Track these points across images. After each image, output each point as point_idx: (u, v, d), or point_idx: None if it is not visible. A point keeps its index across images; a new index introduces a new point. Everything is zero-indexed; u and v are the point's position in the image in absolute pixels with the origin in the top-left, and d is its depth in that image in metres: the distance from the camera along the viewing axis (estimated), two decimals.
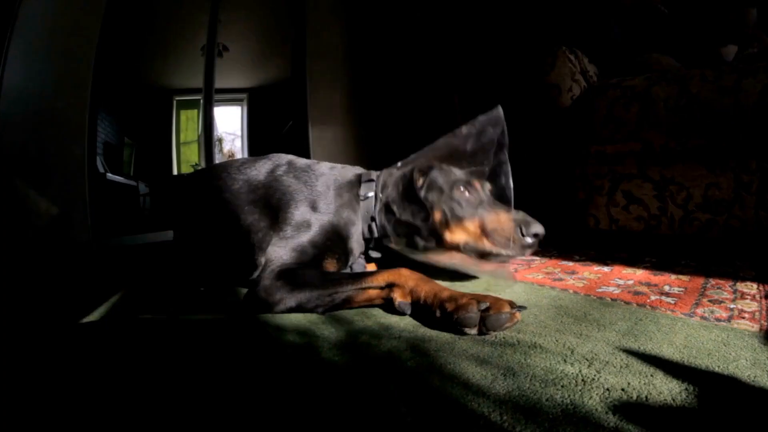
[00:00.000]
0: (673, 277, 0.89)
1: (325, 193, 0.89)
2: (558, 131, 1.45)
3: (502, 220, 0.77)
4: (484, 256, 0.79)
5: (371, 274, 0.74)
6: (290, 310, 0.73)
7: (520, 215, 0.78)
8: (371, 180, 0.92)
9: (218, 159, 2.75)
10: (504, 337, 0.58)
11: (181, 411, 0.43)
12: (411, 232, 0.84)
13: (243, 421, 0.40)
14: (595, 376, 0.45)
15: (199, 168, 2.73)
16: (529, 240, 0.75)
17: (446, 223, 0.81)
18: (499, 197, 0.84)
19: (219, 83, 2.63)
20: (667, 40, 1.77)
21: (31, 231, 1.71)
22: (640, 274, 0.94)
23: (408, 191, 0.85)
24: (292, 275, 0.75)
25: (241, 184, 0.93)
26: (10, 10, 1.67)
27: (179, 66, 2.77)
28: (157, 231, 2.10)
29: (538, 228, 0.75)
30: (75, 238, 1.81)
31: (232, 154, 3.02)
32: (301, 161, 0.97)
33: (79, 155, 1.86)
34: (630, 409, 0.39)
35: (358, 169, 0.98)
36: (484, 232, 0.78)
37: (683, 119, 1.16)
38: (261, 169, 0.95)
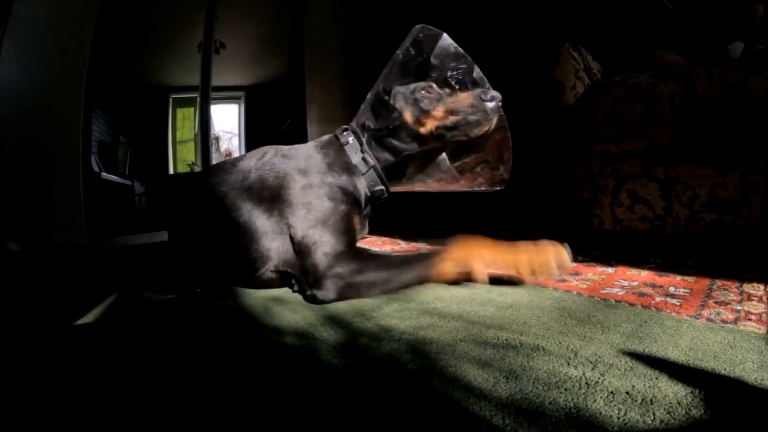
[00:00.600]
0: (679, 278, 0.89)
1: (314, 160, 0.94)
2: (561, 129, 1.45)
3: (461, 97, 0.88)
4: (458, 131, 0.88)
5: (436, 254, 0.79)
6: (367, 290, 0.78)
7: (479, 89, 0.87)
8: (346, 129, 1.00)
9: (215, 158, 2.75)
10: (506, 339, 0.58)
11: (178, 415, 0.43)
12: (392, 139, 0.93)
13: (241, 425, 0.40)
14: (599, 378, 0.45)
15: (195, 166, 2.73)
16: (489, 104, 0.85)
17: (417, 120, 0.91)
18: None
19: (216, 81, 2.63)
20: (672, 37, 1.76)
21: (24, 231, 1.71)
22: (645, 275, 0.93)
23: (379, 108, 0.95)
24: (351, 258, 0.80)
25: (235, 176, 0.95)
26: (4, 6, 1.67)
27: (175, 63, 2.76)
28: (154, 231, 2.10)
29: (494, 92, 0.86)
30: (69, 239, 1.81)
31: (229, 153, 3.02)
32: (285, 147, 1.02)
33: (74, 154, 1.86)
34: (635, 412, 0.39)
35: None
36: (450, 112, 0.88)
37: (688, 117, 1.16)
38: (251, 159, 0.98)
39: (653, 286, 0.84)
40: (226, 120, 3.05)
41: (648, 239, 1.29)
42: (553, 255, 0.75)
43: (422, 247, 1.51)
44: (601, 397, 0.42)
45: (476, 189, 0.95)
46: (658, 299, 0.75)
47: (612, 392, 0.43)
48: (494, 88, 0.85)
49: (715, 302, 0.72)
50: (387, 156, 0.94)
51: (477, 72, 0.87)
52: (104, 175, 2.41)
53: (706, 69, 1.17)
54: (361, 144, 0.95)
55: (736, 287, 0.81)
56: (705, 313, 0.66)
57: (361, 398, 0.44)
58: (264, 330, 0.67)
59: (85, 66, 1.87)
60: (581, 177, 1.38)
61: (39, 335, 0.71)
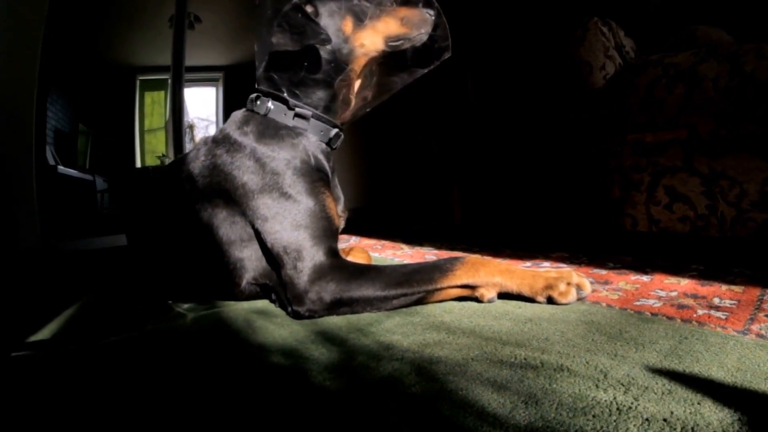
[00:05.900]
0: (724, 287, 0.90)
1: (248, 149, 0.89)
2: (589, 116, 1.45)
3: (405, 9, 0.94)
4: (407, 42, 0.95)
5: (442, 272, 0.81)
6: (362, 307, 0.79)
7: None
8: (258, 96, 0.95)
9: (189, 149, 2.76)
10: (525, 358, 0.58)
11: None
12: (319, 67, 0.91)
13: None
14: (632, 403, 0.46)
15: (166, 158, 2.73)
16: (432, 17, 0.95)
17: (353, 34, 0.92)
18: None
19: (190, 60, 2.63)
20: (716, 10, 1.77)
21: None
22: (685, 284, 0.94)
23: (289, 31, 0.87)
24: (336, 268, 0.80)
25: (187, 183, 0.93)
26: None
27: (143, 40, 2.76)
28: (117, 233, 2.10)
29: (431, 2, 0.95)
30: (21, 242, 1.81)
31: None
32: (216, 134, 0.98)
33: (26, 144, 1.86)
34: None
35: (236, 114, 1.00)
36: (404, 24, 0.94)
37: (736, 102, 1.16)
38: (197, 160, 0.95)
39: (695, 296, 0.84)
40: (202, 105, 3.05)
41: (689, 242, 1.29)
42: (574, 280, 0.81)
43: (427, 252, 1.51)
44: (634, 425, 0.42)
45: (429, 68, 1.02)
46: (700, 312, 0.75)
47: (647, 419, 0.43)
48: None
49: (767, 315, 0.72)
50: (321, 93, 0.93)
51: None
52: (61, 168, 2.41)
53: (756, 47, 1.17)
54: (285, 102, 0.92)
55: None
56: (755, 327, 0.66)
57: (358, 426, 0.44)
58: (247, 348, 0.67)
59: (39, 43, 1.87)
60: (612, 171, 1.38)
61: None
